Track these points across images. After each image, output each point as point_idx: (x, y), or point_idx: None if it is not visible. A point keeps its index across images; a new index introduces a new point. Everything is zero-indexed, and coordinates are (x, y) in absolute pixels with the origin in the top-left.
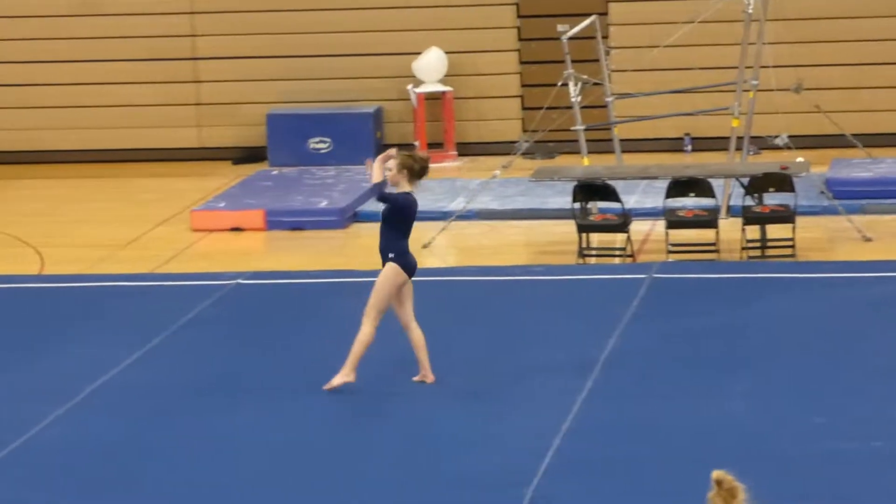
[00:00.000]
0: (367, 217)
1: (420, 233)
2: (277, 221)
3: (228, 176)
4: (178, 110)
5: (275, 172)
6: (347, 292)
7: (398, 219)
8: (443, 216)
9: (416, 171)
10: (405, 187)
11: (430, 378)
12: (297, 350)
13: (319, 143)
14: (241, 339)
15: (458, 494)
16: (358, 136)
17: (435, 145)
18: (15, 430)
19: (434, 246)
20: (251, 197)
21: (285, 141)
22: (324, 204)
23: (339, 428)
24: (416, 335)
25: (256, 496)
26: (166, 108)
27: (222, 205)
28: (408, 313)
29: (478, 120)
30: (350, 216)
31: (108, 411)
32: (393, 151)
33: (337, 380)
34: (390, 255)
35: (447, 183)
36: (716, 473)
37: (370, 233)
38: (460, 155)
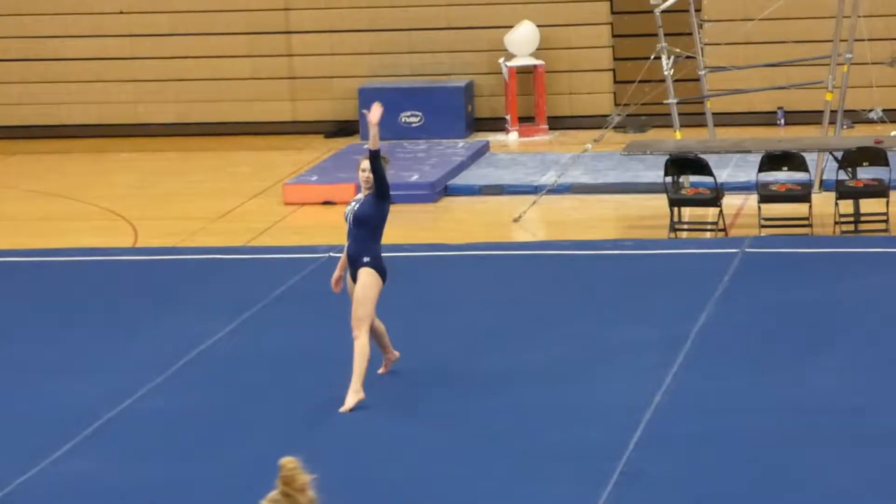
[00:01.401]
0: (458, 191)
1: (511, 206)
2: None
3: (321, 149)
4: (271, 84)
5: (367, 146)
6: (438, 266)
7: (378, 223)
8: (534, 190)
9: (386, 171)
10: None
11: (396, 354)
12: (388, 323)
13: (411, 117)
14: (334, 313)
15: (550, 468)
16: (449, 109)
17: (526, 119)
18: (110, 401)
19: (525, 220)
20: (343, 171)
21: None
22: (415, 178)
23: (430, 402)
24: (377, 325)
25: (348, 468)
26: (260, 81)
27: (315, 178)
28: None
29: (570, 94)
30: (441, 190)
31: (202, 383)
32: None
33: (350, 400)
34: (365, 260)
35: (538, 157)
36: (282, 459)
37: (461, 207)
38: (551, 129)
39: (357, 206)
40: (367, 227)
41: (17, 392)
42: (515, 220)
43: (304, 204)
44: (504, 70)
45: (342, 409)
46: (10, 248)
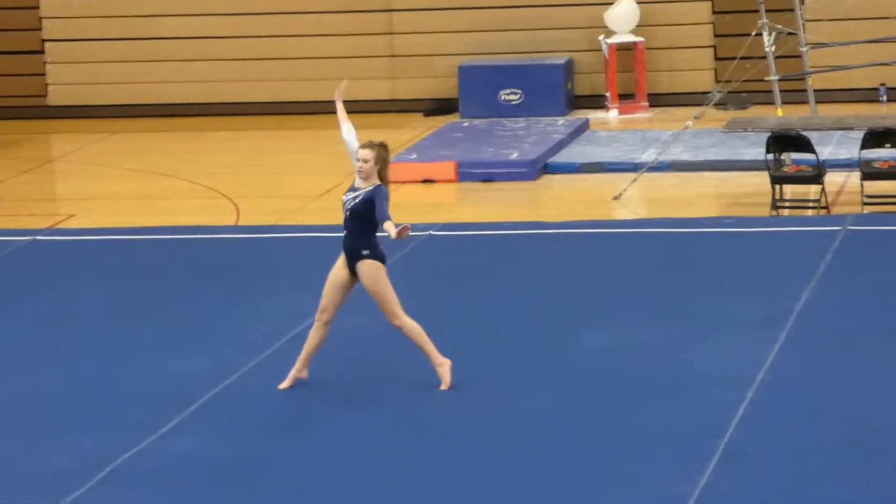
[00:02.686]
0: (558, 169)
1: (611, 184)
2: (468, 173)
3: (420, 128)
4: (371, 62)
5: (466, 124)
6: (537, 243)
7: (372, 216)
8: (634, 167)
9: (387, 161)
10: (374, 180)
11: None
12: (489, 300)
13: (510, 95)
14: (434, 290)
15: (651, 446)
16: (549, 87)
17: (626, 96)
18: (214, 378)
19: (625, 197)
20: (443, 149)
21: (477, 92)
22: (514, 155)
23: (528, 380)
24: (324, 334)
25: (453, 443)
26: (360, 59)
27: (414, 156)
28: (336, 308)
29: (670, 70)
30: (540, 168)
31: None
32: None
33: (446, 376)
34: (364, 253)
35: (638, 134)
36: None
37: (561, 184)
38: (651, 106)
39: (353, 200)
40: (362, 220)
41: (123, 369)
42: (615, 198)
43: (403, 182)
44: (604, 47)
45: (443, 387)
46: (112, 226)
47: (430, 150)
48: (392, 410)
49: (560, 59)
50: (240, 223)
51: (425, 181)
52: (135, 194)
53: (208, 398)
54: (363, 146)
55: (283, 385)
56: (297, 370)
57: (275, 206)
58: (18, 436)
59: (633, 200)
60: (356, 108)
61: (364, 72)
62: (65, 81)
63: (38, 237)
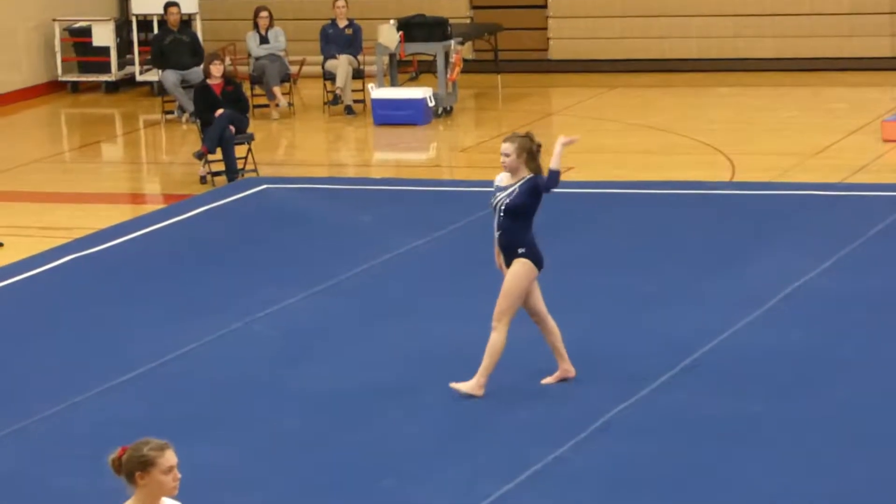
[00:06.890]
0: None
1: None
2: None
3: None
4: (872, 19)
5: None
6: None
7: (531, 210)
8: None
9: (535, 153)
10: (524, 173)
11: (571, 372)
12: None
13: None
14: None
15: None
16: None
17: None
18: (706, 334)
19: None
20: None
21: None
22: None
23: None
24: (552, 325)
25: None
26: (861, 16)
27: None
28: (540, 304)
29: None
30: None
31: (798, 320)
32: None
33: (463, 387)
34: (520, 251)
35: None
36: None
37: None
38: None
39: (508, 197)
40: (520, 217)
41: (616, 322)
42: None
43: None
44: None
45: (452, 384)
46: (611, 179)
47: None
48: (873, 374)
49: None
50: (735, 179)
51: None
52: (632, 149)
53: (700, 353)
54: (504, 139)
55: (548, 380)
56: (562, 370)
57: (770, 164)
58: (514, 386)
59: None
60: (857, 65)
61: (866, 28)
62: (566, 36)
63: None
